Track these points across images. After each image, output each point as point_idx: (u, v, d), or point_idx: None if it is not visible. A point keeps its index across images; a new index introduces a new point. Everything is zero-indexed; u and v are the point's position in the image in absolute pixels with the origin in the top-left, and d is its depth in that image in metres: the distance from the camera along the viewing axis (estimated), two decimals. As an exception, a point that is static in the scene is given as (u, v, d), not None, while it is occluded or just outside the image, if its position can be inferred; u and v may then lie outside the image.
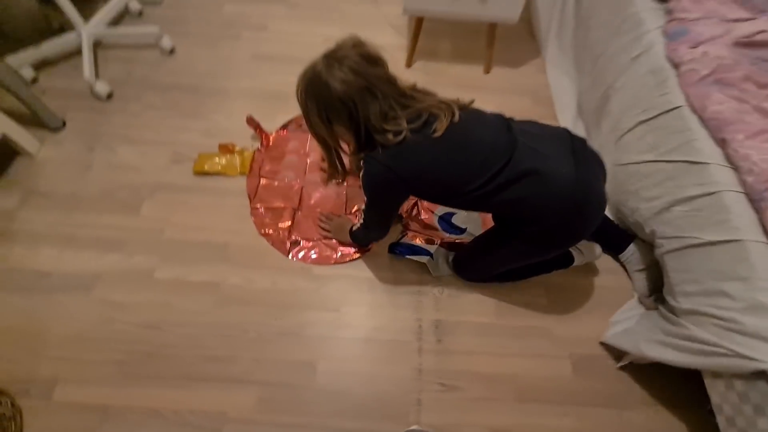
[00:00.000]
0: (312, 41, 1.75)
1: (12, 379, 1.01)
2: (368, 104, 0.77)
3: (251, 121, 1.42)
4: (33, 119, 1.37)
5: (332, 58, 0.76)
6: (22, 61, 1.44)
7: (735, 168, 0.85)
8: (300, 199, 1.31)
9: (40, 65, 1.53)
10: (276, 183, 1.34)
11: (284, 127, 1.47)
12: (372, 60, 0.78)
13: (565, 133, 0.90)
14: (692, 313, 0.83)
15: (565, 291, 1.19)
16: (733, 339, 0.75)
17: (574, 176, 0.81)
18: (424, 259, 1.19)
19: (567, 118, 1.49)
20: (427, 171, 0.83)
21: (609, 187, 1.02)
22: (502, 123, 0.89)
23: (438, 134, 0.79)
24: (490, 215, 1.29)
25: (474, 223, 1.30)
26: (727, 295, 0.78)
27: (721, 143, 0.88)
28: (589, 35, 1.39)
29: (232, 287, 1.16)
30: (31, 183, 1.30)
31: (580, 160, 0.84)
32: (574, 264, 1.14)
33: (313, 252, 1.22)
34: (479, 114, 0.90)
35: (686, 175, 0.93)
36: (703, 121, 0.92)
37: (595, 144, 1.30)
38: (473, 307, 1.16)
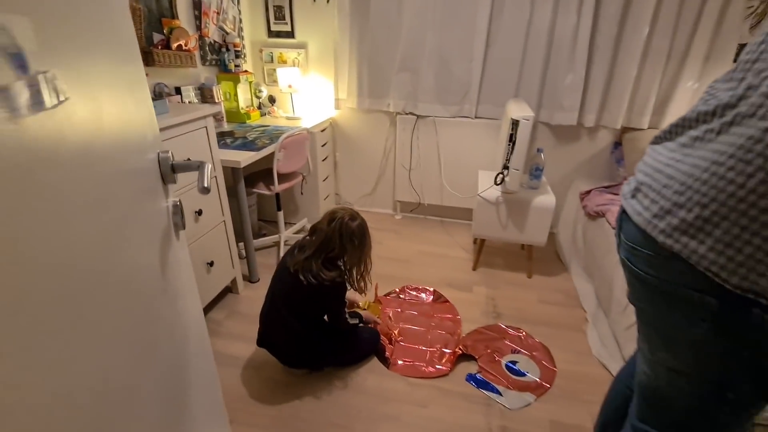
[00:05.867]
0: (409, 251, 2.71)
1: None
2: None
3: (375, 287, 2.21)
4: (244, 275, 2.29)
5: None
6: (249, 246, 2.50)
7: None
8: (398, 335, 1.90)
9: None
10: (382, 326, 1.97)
11: (387, 294, 2.22)
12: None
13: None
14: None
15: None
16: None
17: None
18: (493, 396, 1.60)
19: (590, 309, 2.09)
20: None
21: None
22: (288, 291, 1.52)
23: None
24: (544, 361, 1.75)
25: (533, 369, 1.74)
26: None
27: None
28: (593, 254, 2.17)
29: (352, 381, 1.65)
30: (235, 307, 2.08)
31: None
32: None
33: (403, 367, 1.72)
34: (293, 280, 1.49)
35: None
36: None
37: (608, 324, 1.87)
38: (532, 422, 1.49)
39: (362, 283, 1.62)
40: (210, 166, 0.57)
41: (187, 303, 0.64)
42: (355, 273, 1.59)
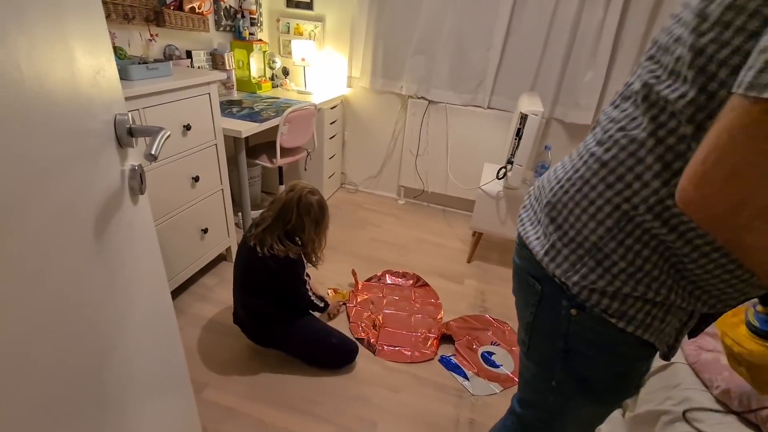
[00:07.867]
0: (407, 237, 2.71)
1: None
2: None
3: (354, 273, 2.20)
4: (240, 244, 2.32)
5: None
6: (247, 217, 2.52)
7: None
8: (381, 320, 1.91)
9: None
10: (363, 311, 1.97)
11: (369, 279, 2.22)
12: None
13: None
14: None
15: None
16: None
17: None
18: (459, 379, 1.63)
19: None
20: None
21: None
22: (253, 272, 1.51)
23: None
24: (520, 357, 1.75)
25: (508, 363, 1.75)
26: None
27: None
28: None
29: (330, 359, 1.68)
30: (227, 274, 2.12)
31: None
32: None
33: (390, 353, 1.74)
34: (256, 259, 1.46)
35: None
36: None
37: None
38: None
39: (314, 258, 1.59)
40: (166, 134, 0.56)
41: (141, 265, 0.64)
42: (309, 248, 1.55)
